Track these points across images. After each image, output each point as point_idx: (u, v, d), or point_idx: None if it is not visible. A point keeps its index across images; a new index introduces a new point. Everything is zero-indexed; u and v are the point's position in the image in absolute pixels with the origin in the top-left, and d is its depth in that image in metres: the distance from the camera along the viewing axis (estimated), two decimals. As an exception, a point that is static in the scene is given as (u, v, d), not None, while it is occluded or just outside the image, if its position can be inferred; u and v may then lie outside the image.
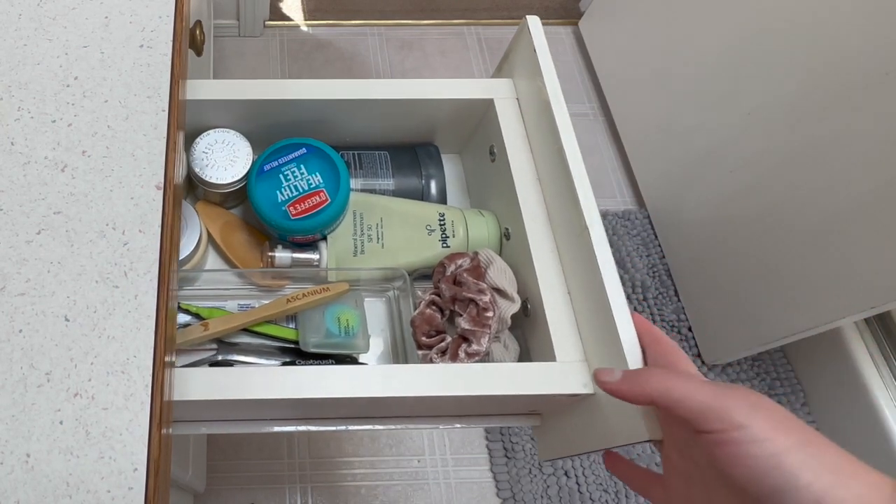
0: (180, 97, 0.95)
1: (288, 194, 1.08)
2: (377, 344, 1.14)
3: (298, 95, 1.11)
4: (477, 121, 1.21)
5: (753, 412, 0.55)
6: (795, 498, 0.50)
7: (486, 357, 1.00)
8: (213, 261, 1.20)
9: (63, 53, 0.94)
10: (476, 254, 1.05)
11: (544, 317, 0.95)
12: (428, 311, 1.05)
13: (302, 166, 1.09)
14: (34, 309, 0.75)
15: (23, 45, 0.94)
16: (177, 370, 0.84)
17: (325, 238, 1.13)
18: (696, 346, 2.37)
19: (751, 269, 2.11)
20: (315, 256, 1.11)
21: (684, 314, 2.43)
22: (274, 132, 1.14)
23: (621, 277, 2.45)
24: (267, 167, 1.10)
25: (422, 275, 1.16)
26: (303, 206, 1.06)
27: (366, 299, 1.16)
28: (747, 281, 2.12)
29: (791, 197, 1.93)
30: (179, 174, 0.91)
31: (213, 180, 1.11)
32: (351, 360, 1.08)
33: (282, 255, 1.11)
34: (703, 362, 2.35)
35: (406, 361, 1.07)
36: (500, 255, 1.11)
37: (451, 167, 1.29)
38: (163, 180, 0.85)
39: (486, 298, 0.99)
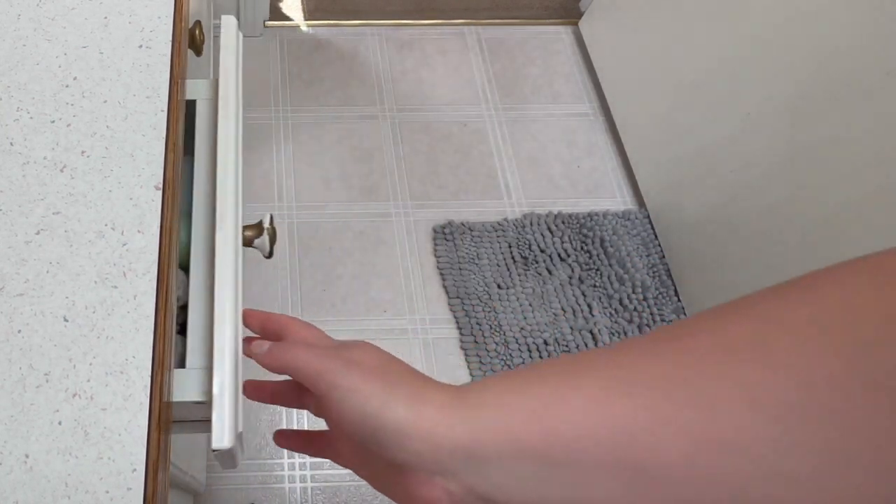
0: (180, 97, 0.95)
1: None
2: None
3: None
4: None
5: (347, 370, 0.58)
6: (384, 437, 0.53)
7: None
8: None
9: (62, 54, 0.94)
10: None
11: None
12: None
13: None
14: (33, 309, 0.75)
15: (22, 46, 0.94)
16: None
17: None
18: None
19: (752, 270, 2.10)
20: None
21: (684, 314, 2.42)
22: None
23: (621, 277, 2.46)
24: None
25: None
26: None
27: None
28: (748, 281, 2.12)
29: (792, 197, 1.93)
30: (179, 175, 0.91)
31: None
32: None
33: None
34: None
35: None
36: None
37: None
38: (162, 181, 0.85)
39: None
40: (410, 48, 3.07)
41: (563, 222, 2.59)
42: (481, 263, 2.49)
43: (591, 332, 2.37)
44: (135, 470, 0.67)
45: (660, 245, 2.57)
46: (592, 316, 2.40)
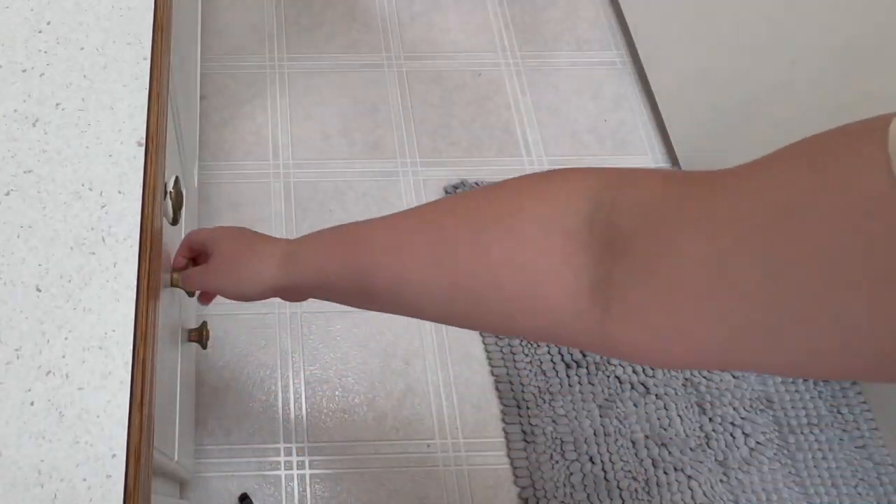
0: (164, 44, 0.95)
1: None
2: None
3: None
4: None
5: (215, 244, 1.03)
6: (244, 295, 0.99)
7: None
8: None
9: (34, -5, 0.93)
10: None
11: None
12: None
13: None
14: (2, 278, 0.74)
15: (-11, -14, 0.93)
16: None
17: None
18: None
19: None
20: None
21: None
22: None
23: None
24: None
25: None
26: None
27: None
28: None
29: (841, 155, 1.92)
30: (163, 129, 0.91)
31: None
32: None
33: None
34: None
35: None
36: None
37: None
38: (144, 136, 0.84)
39: None
40: (419, -11, 3.05)
41: (588, 182, 2.57)
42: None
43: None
44: (115, 455, 0.67)
45: (695, 207, 2.56)
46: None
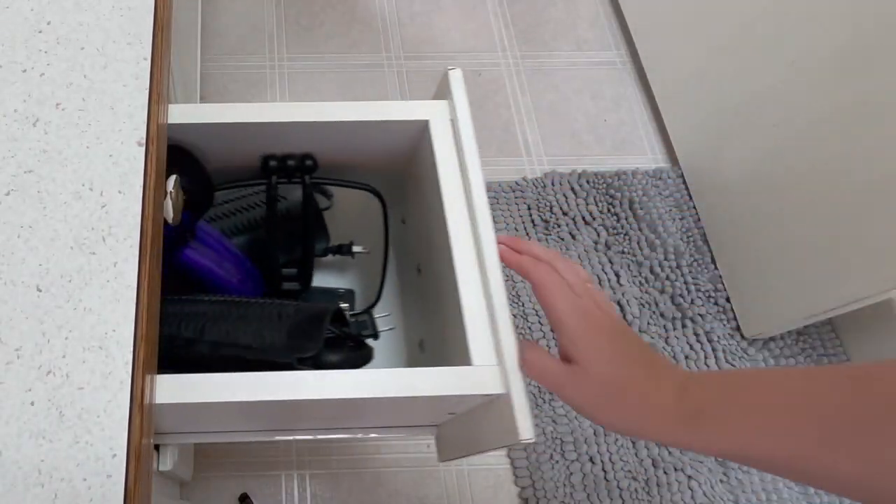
0: (164, 44, 0.95)
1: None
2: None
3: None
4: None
5: (582, 349, 0.84)
6: (617, 416, 0.83)
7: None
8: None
9: (34, -5, 0.93)
10: None
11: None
12: None
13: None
14: (2, 278, 0.74)
15: (-11, -14, 0.93)
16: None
17: None
18: (735, 318, 2.36)
19: (796, 234, 2.10)
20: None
21: (722, 283, 2.42)
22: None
23: (652, 243, 2.44)
24: None
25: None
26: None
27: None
28: (792, 246, 2.11)
29: (841, 154, 1.92)
30: (164, 129, 0.91)
31: None
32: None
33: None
34: (742, 336, 2.34)
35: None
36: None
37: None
38: (145, 136, 0.84)
39: None
40: (419, -12, 3.06)
41: (588, 182, 2.57)
42: (497, 227, 2.48)
43: (618, 302, 2.36)
44: (115, 455, 0.67)
45: (694, 207, 2.56)
46: (620, 285, 2.39)
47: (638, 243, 2.46)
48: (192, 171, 1.06)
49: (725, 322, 2.35)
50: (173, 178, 1.02)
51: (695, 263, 2.45)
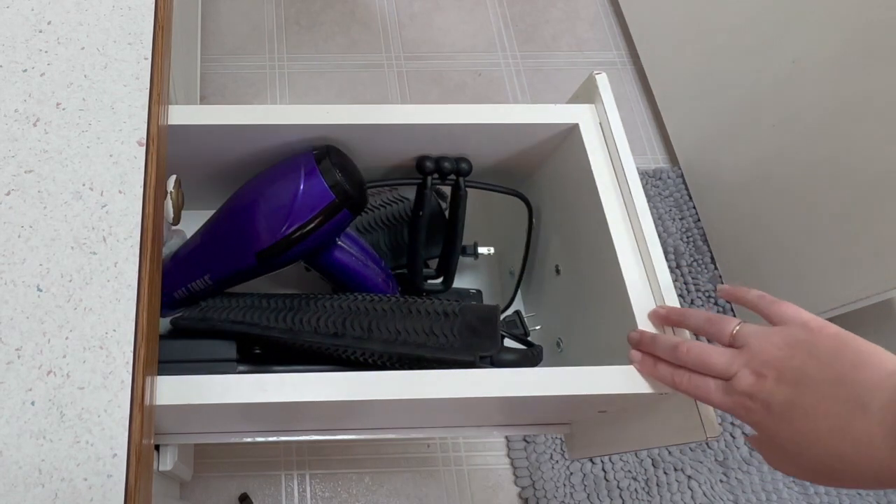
0: (165, 44, 0.94)
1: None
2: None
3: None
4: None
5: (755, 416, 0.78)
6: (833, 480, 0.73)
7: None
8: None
9: (34, -5, 0.93)
10: None
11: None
12: None
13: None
14: (3, 278, 0.74)
15: (-10, -14, 0.93)
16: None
17: None
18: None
19: (795, 234, 2.10)
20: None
21: (722, 283, 2.42)
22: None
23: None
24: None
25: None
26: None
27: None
28: (791, 246, 2.11)
29: (840, 154, 1.92)
30: (164, 129, 0.90)
31: None
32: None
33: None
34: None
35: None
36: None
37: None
38: (145, 136, 0.84)
39: None
40: (419, -12, 3.05)
41: (588, 182, 2.57)
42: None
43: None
44: (115, 455, 0.67)
45: (694, 207, 2.56)
46: (619, 286, 2.39)
47: (638, 243, 2.46)
48: (348, 170, 1.07)
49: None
50: (173, 177, 1.02)
51: (695, 263, 2.45)
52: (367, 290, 1.17)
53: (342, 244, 1.15)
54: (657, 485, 2.08)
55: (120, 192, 0.80)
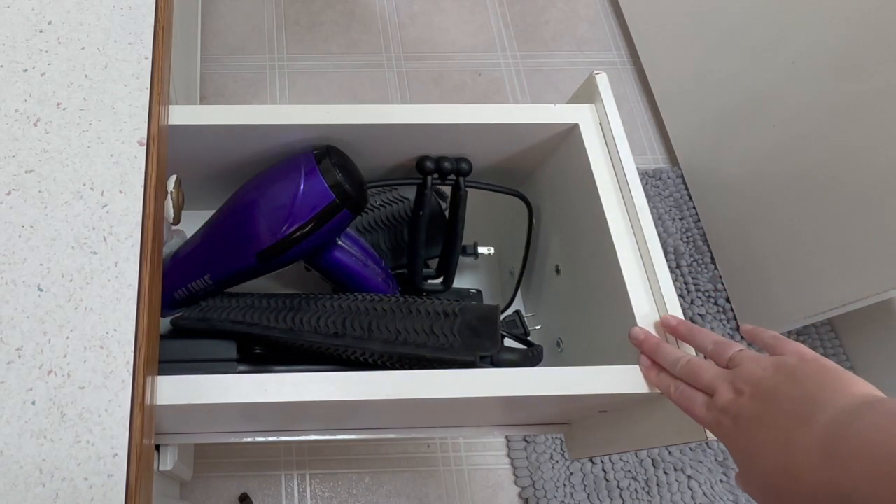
0: (165, 44, 0.94)
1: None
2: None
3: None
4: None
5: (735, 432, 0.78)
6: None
7: None
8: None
9: (35, -5, 0.93)
10: None
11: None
12: None
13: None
14: (3, 278, 0.74)
15: (-10, -14, 0.93)
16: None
17: None
18: (735, 318, 2.36)
19: (795, 234, 2.10)
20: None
21: (722, 283, 2.42)
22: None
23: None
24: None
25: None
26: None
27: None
28: (791, 246, 2.11)
29: (840, 154, 1.92)
30: (165, 129, 0.90)
31: None
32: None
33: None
34: (742, 336, 2.34)
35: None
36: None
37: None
38: (146, 135, 0.84)
39: None
40: (419, -12, 3.05)
41: (588, 182, 2.57)
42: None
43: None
44: (116, 455, 0.67)
45: (694, 207, 2.56)
46: (619, 286, 2.39)
47: (638, 243, 2.46)
48: (348, 170, 1.07)
49: (725, 322, 2.35)
50: (174, 177, 1.02)
51: (695, 263, 2.45)
52: (367, 290, 1.17)
53: (342, 244, 1.15)
54: (657, 485, 2.08)
55: (120, 191, 0.80)
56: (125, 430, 0.68)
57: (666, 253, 2.43)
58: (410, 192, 1.25)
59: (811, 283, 2.05)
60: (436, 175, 1.19)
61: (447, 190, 1.25)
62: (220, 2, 2.94)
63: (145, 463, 0.71)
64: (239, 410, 0.90)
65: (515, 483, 2.08)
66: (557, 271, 1.25)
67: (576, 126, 1.15)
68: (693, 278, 2.42)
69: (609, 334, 1.06)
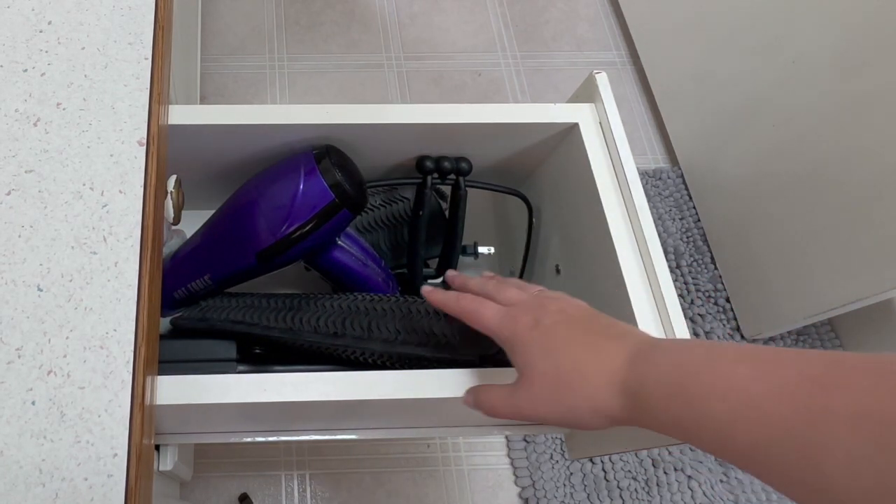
0: (165, 44, 0.94)
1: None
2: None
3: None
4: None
5: (521, 351, 0.79)
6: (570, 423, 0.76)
7: None
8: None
9: (35, -6, 0.93)
10: None
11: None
12: None
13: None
14: (3, 278, 0.74)
15: (-10, -14, 0.93)
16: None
17: None
18: (735, 318, 2.36)
19: (795, 234, 2.10)
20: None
21: (722, 283, 2.42)
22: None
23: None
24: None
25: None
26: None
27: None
28: (791, 247, 2.11)
29: (840, 154, 1.92)
30: (165, 129, 0.90)
31: None
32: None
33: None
34: (742, 336, 2.34)
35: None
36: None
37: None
38: (146, 135, 0.84)
39: None
40: (419, -12, 3.05)
41: (588, 182, 2.57)
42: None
43: (617, 303, 2.36)
44: (116, 455, 0.67)
45: (694, 207, 2.56)
46: (619, 286, 2.39)
47: (638, 243, 2.46)
48: (348, 169, 1.07)
49: (725, 322, 2.35)
50: (174, 177, 1.02)
51: (694, 263, 2.45)
52: (367, 290, 1.17)
53: (342, 244, 1.15)
54: (657, 485, 2.08)
55: (120, 191, 0.80)
56: (125, 430, 0.68)
57: (666, 253, 2.43)
58: (410, 192, 1.25)
59: (811, 283, 2.05)
60: (436, 175, 1.19)
61: (447, 190, 1.25)
62: (220, 2, 2.94)
63: (145, 463, 0.71)
64: (239, 410, 0.90)
65: (515, 483, 2.08)
66: (557, 271, 1.25)
67: (576, 126, 1.15)
68: (693, 278, 2.42)
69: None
